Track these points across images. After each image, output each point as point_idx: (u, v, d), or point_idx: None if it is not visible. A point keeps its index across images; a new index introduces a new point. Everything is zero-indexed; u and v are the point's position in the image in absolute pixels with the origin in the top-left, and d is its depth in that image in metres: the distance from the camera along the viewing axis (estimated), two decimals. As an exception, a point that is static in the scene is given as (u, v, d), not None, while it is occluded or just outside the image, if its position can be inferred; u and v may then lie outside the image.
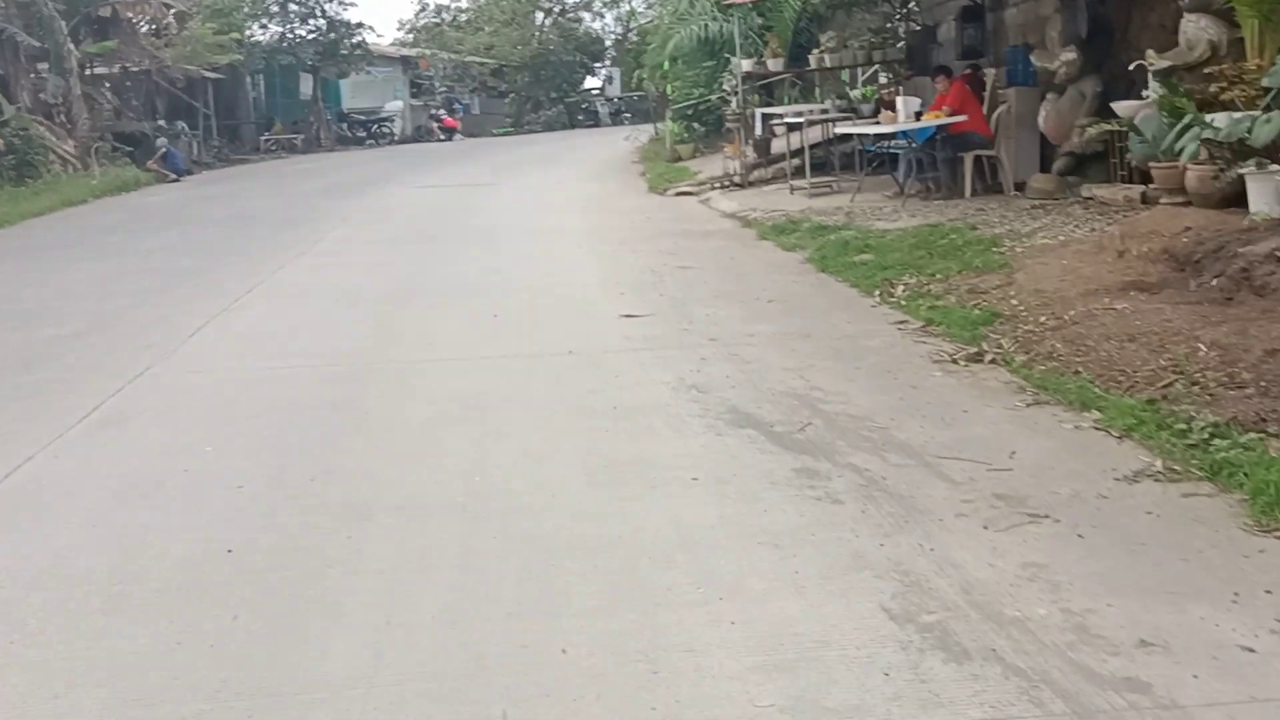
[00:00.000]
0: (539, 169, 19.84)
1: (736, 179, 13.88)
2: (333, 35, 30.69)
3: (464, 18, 43.87)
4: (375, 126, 33.57)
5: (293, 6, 30.54)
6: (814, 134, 14.15)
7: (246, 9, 29.80)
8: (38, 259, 11.21)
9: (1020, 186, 10.48)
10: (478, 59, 38.72)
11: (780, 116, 13.31)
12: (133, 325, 7.40)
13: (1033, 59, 10.21)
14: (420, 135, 34.80)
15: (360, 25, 31.37)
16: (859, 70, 16.37)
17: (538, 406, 5.05)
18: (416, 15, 44.55)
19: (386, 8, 65.97)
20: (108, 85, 26.40)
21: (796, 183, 12.67)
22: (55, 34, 21.81)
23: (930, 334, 6.01)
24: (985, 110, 10.73)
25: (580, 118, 39.63)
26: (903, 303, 6.72)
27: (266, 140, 30.68)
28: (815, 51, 14.02)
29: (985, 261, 7.28)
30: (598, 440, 4.50)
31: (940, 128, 10.43)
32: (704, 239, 10.45)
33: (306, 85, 32.27)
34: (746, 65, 13.68)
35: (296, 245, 11.18)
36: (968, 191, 10.53)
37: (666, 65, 17.95)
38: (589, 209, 13.38)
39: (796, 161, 14.16)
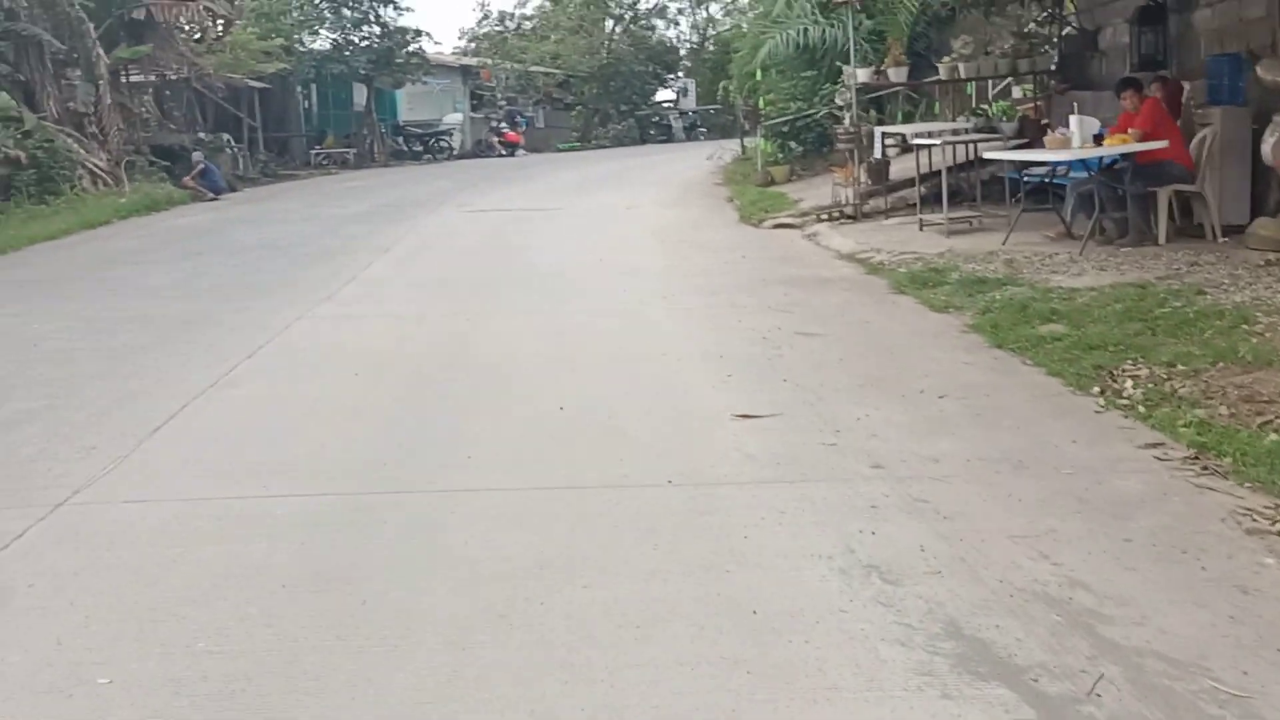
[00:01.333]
0: (610, 190, 18.24)
1: (848, 209, 12.09)
2: (388, 43, 29.58)
3: (528, 25, 42.74)
4: (432, 140, 32.38)
5: (345, 12, 29.49)
6: (937, 157, 12.34)
7: (296, 14, 28.80)
8: (15, 299, 9.82)
9: (1228, 231, 8.55)
10: (543, 69, 37.45)
11: (904, 136, 11.49)
12: (87, 408, 5.85)
13: (1259, 70, 8.26)
14: (480, 150, 33.56)
15: (418, 32, 30.26)
16: (989, 83, 14.51)
17: (623, 606, 3.30)
18: (478, 23, 43.61)
19: (446, 15, 65.24)
20: (148, 95, 25.55)
21: (928, 217, 10.84)
22: (84, 37, 20.85)
23: (1213, 470, 4.16)
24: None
25: (652, 132, 38.10)
26: (1142, 409, 4.88)
27: (317, 154, 29.64)
28: (947, 59, 12.21)
29: (1250, 350, 5.40)
30: (733, 707, 2.74)
31: (1125, 156, 8.55)
32: (821, 289, 8.69)
33: (360, 96, 31.23)
34: (863, 75, 11.92)
35: (323, 286, 9.65)
36: (1162, 237, 8.62)
37: (759, 75, 16.25)
38: (671, 243, 11.68)
39: (923, 189, 12.35)
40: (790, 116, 15.60)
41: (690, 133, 38.17)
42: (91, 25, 20.90)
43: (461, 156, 32.47)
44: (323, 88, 32.05)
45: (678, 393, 5.76)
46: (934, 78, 12.28)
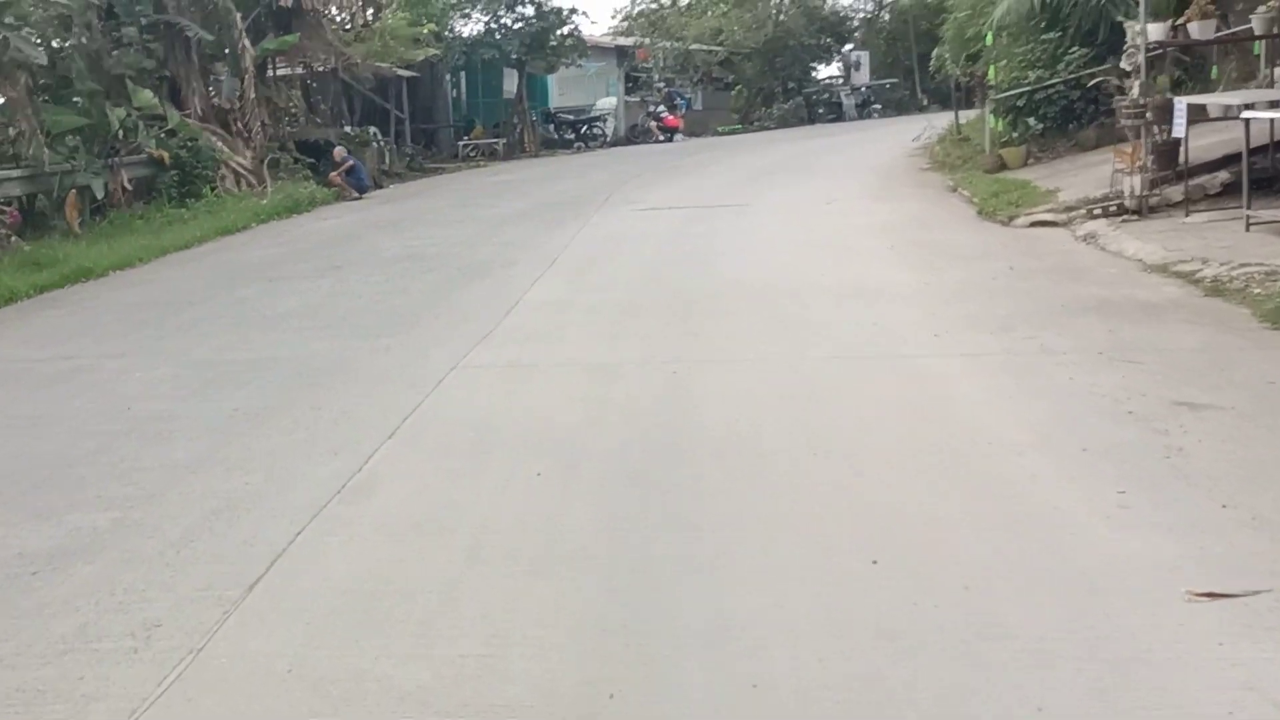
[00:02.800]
0: (797, 180, 16.05)
1: (1129, 202, 9.63)
2: (542, 24, 28.02)
3: (686, 1, 40.65)
4: (585, 127, 30.75)
5: (498, -8, 28.10)
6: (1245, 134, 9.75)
7: (447, -3, 27.57)
8: (125, 331, 8.40)
9: None
10: (704, 46, 35.32)
11: (1230, 107, 8.95)
12: (164, 532, 4.14)
13: None
14: (635, 136, 31.75)
15: (574, 11, 28.60)
16: (1273, 42, 11.68)
17: None
18: (633, 1, 41.79)
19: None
20: (295, 88, 24.72)
21: (1260, 213, 8.32)
22: (231, 28, 19.91)
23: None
24: None
25: (820, 111, 35.47)
26: None
27: (465, 145, 28.41)
28: (1263, 9, 9.59)
29: None
30: None
31: None
32: (1154, 321, 6.38)
33: (510, 82, 29.84)
34: (1156, 32, 9.43)
35: (481, 314, 7.89)
36: None
37: (989, 39, 13.77)
38: (905, 249, 9.48)
39: (1225, 176, 9.79)
40: (1029, 88, 13.08)
41: (863, 110, 35.38)
42: (239, 15, 19.96)
43: (615, 144, 30.74)
44: (471, 75, 30.83)
45: (1048, 526, 3.65)
46: (1244, 33, 9.66)
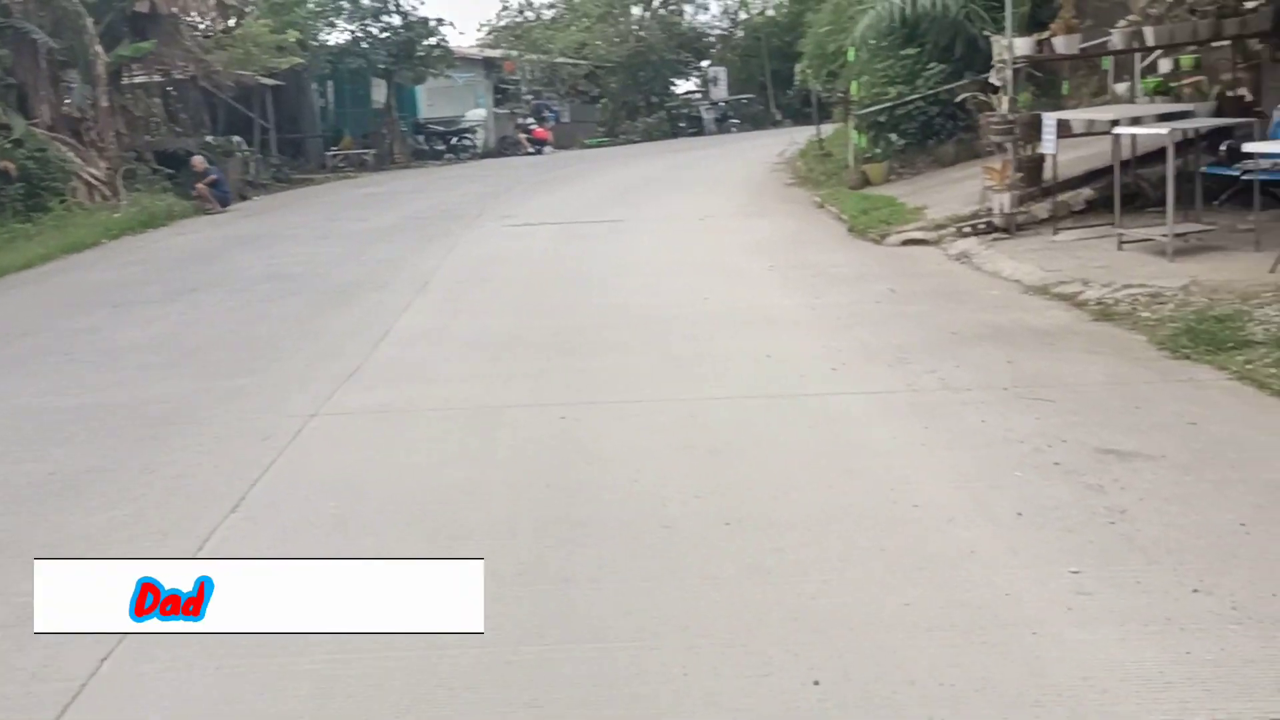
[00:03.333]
0: (669, 195, 15.40)
1: (997, 220, 9.28)
2: (409, 34, 26.67)
3: (550, 14, 39.68)
4: (455, 139, 29.51)
5: (364, 1, 26.59)
6: (1084, 153, 9.56)
7: (312, 4, 25.92)
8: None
9: None
10: (569, 60, 34.42)
11: (1092, 122, 8.63)
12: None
13: None
14: (505, 148, 30.63)
15: (440, 21, 27.32)
16: (1135, 57, 11.61)
17: None
18: (498, 13, 40.55)
19: (465, 7, 61.83)
20: (156, 97, 22.83)
21: (1130, 231, 8.01)
22: (82, 34, 18.07)
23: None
24: None
25: (682, 125, 35.03)
26: None
27: (333, 156, 26.82)
28: (1121, 24, 9.38)
29: None
30: None
31: None
32: (1049, 350, 5.90)
33: (379, 92, 28.38)
34: (1023, 46, 9.08)
35: (345, 348, 6.91)
36: None
37: (852, 54, 13.36)
38: (785, 270, 8.90)
39: (1088, 193, 9.55)
40: (890, 103, 12.72)
41: (722, 124, 35.07)
42: (91, 21, 18.13)
43: (486, 155, 29.58)
44: (339, 84, 29.23)
45: (1005, 625, 2.99)
46: (1099, 48, 9.42)
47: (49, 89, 18.20)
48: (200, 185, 17.54)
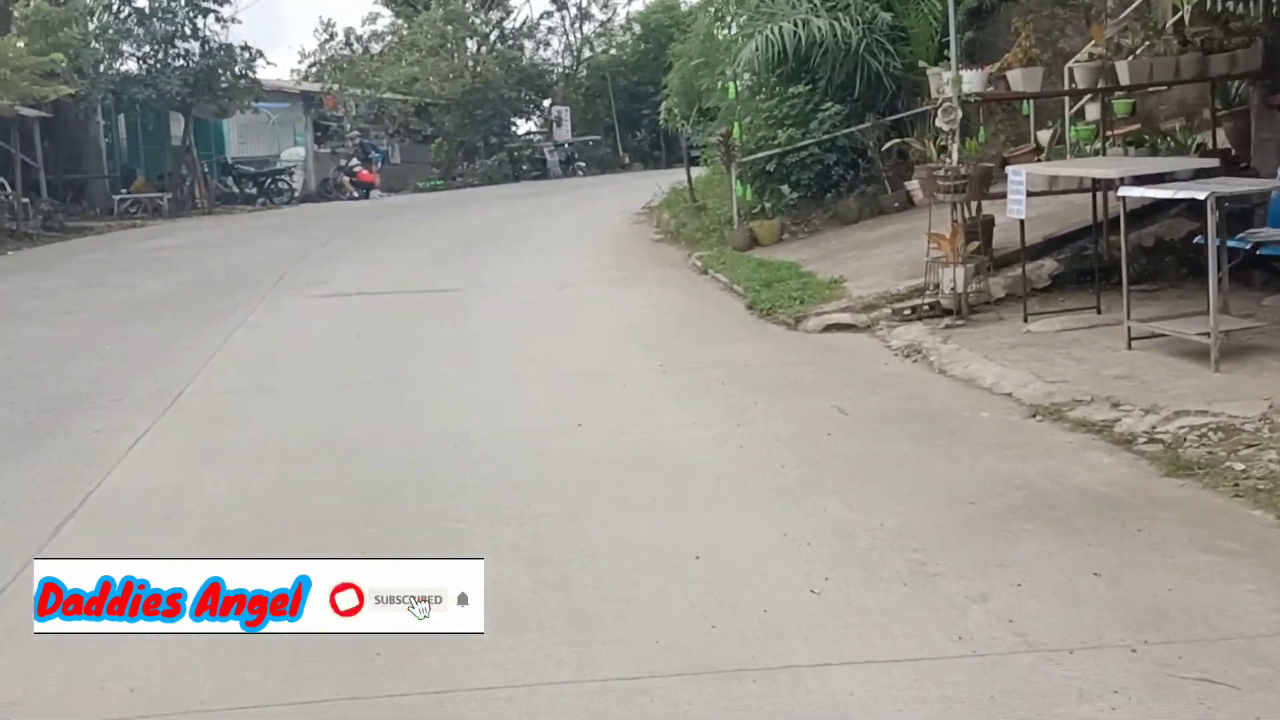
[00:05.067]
0: (516, 251, 12.96)
1: (946, 300, 7.31)
2: (209, 62, 23.38)
3: (379, 46, 36.73)
4: (269, 181, 26.26)
5: (156, 24, 23.17)
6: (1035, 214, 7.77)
7: (91, 25, 22.36)
8: None
9: None
10: (398, 95, 31.57)
11: (1054, 179, 6.78)
12: None
13: None
14: (327, 191, 27.48)
15: (246, 49, 24.09)
16: (1065, 101, 10.04)
17: None
18: (321, 44, 37.28)
19: (282, 34, 57.51)
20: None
21: (1142, 324, 6.09)
22: None
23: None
24: None
25: (525, 167, 32.66)
26: None
27: (123, 200, 23.14)
28: (1082, 58, 7.66)
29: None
30: None
31: None
32: (1149, 544, 3.78)
33: (178, 127, 24.90)
34: (974, 81, 7.20)
35: (7, 534, 4.17)
36: None
37: (732, 90, 11.32)
38: (686, 378, 6.60)
39: (1051, 265, 7.72)
40: (779, 149, 10.73)
41: (567, 167, 32.89)
42: None
43: (305, 199, 26.38)
44: (130, 117, 25.57)
45: None
46: (1059, 89, 7.65)
47: None
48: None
